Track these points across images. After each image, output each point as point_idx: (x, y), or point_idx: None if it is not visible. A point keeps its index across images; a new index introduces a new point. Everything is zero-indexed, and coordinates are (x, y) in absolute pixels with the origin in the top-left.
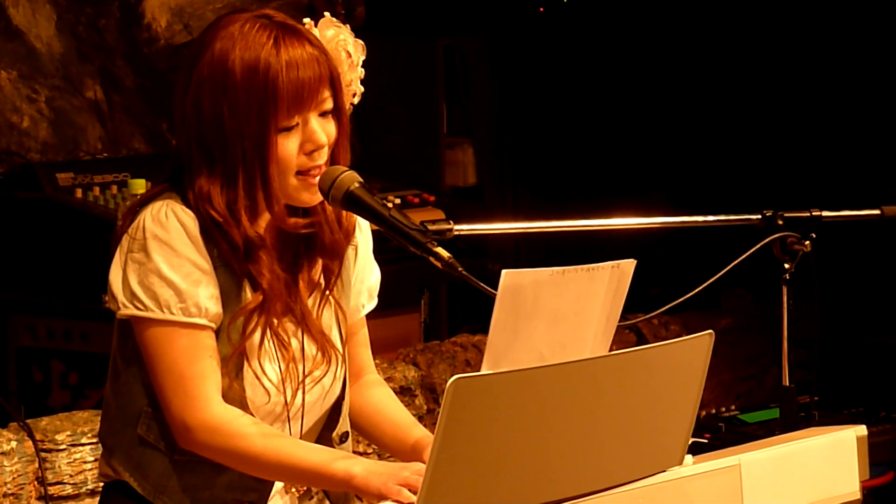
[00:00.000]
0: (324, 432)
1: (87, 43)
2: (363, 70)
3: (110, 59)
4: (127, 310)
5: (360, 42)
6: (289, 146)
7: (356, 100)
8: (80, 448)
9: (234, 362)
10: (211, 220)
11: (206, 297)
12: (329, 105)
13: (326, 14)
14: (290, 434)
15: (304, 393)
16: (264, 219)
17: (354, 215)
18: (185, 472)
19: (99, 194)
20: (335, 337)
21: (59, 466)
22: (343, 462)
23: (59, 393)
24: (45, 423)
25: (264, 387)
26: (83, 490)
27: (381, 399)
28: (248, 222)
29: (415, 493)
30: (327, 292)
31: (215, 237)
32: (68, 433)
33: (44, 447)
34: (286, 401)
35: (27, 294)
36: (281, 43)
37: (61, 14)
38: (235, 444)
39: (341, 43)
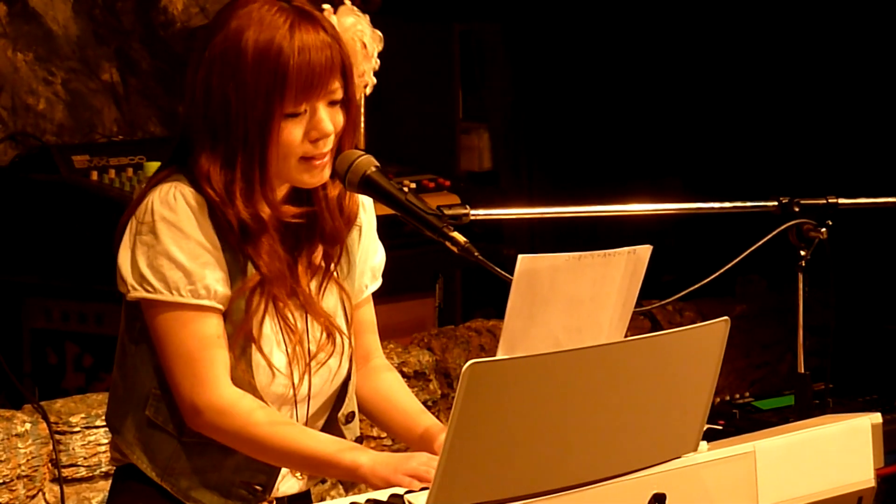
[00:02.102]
0: (330, 413)
1: (104, 25)
2: (378, 61)
3: (127, 41)
4: (136, 292)
5: (379, 33)
6: (294, 132)
7: (368, 90)
8: (95, 430)
9: (240, 346)
10: (209, 199)
11: (214, 278)
12: (339, 95)
13: (347, 1)
14: (297, 416)
15: (310, 376)
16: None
17: (356, 202)
18: (193, 455)
19: (114, 177)
20: (340, 320)
21: (74, 449)
22: (350, 453)
23: (74, 375)
24: (60, 406)
25: (272, 371)
26: (97, 472)
27: (390, 386)
28: (242, 204)
29: (424, 482)
30: (331, 273)
31: (216, 216)
32: (82, 415)
33: (58, 429)
34: (294, 384)
35: (42, 276)
36: (296, 28)
37: None
38: (243, 428)
39: (358, 33)
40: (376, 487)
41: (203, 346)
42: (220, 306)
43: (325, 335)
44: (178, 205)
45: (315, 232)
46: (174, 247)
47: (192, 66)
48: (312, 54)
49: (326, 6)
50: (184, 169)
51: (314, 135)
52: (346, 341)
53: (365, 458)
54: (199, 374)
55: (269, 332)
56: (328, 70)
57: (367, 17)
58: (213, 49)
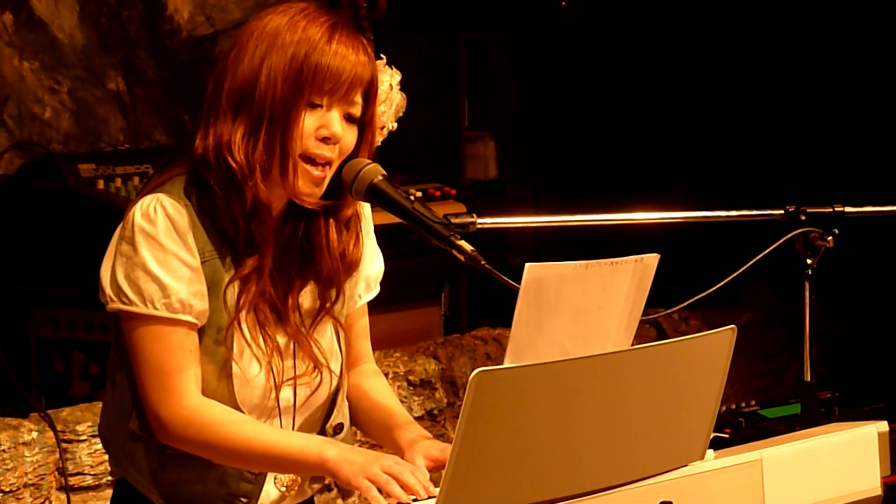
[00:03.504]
0: (320, 425)
1: (110, 34)
2: (394, 121)
3: (132, 50)
4: (114, 304)
5: (403, 94)
6: (307, 122)
7: (384, 133)
8: None
9: (218, 351)
10: (227, 172)
11: (191, 293)
12: (357, 111)
13: (383, 57)
14: (283, 428)
15: (295, 391)
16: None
17: (360, 247)
18: (177, 467)
19: (121, 185)
20: (334, 350)
21: (80, 457)
22: (317, 445)
23: (80, 384)
24: (66, 414)
25: (248, 379)
26: (104, 481)
27: (371, 388)
28: (260, 178)
29: (384, 489)
30: (327, 310)
31: (219, 204)
32: (89, 424)
33: (65, 438)
34: (276, 395)
35: (48, 285)
36: (338, 30)
37: (84, 5)
38: (209, 435)
39: (387, 78)
40: (341, 484)
41: (174, 360)
42: (196, 321)
43: (311, 364)
44: (158, 218)
45: (311, 272)
46: (151, 260)
47: (230, 51)
48: (347, 52)
49: None
50: (187, 160)
51: (323, 132)
52: (335, 373)
53: (332, 451)
54: (167, 386)
55: (248, 341)
56: (358, 74)
57: (398, 74)
58: (250, 30)
